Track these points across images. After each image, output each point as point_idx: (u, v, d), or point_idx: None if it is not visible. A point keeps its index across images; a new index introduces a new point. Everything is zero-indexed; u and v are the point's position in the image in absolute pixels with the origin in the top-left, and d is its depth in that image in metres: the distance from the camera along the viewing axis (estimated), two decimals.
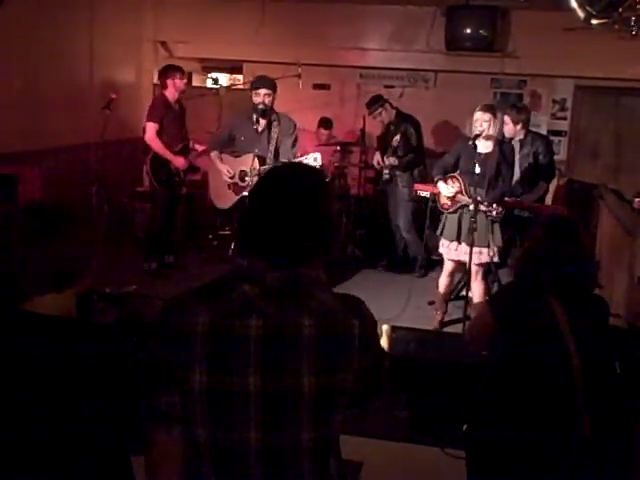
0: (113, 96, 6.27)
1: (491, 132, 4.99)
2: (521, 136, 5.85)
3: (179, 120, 6.34)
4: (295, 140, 5.60)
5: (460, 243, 5.15)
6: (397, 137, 6.60)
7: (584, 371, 2.41)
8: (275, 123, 5.54)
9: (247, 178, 5.49)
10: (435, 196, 5.35)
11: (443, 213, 5.29)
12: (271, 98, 5.52)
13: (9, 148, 5.82)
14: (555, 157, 6.29)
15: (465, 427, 2.78)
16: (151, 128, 6.10)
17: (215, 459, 1.60)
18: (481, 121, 4.96)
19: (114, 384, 1.74)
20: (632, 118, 8.07)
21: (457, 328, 5.24)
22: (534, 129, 6.39)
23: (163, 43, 8.67)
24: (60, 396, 1.67)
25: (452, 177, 5.21)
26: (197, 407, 1.58)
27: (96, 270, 1.83)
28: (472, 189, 5.02)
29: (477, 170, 4.96)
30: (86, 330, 1.81)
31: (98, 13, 7.22)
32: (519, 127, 5.78)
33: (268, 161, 5.41)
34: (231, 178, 5.62)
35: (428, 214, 5.48)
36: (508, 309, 2.61)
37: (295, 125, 5.68)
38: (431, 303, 5.82)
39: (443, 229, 5.27)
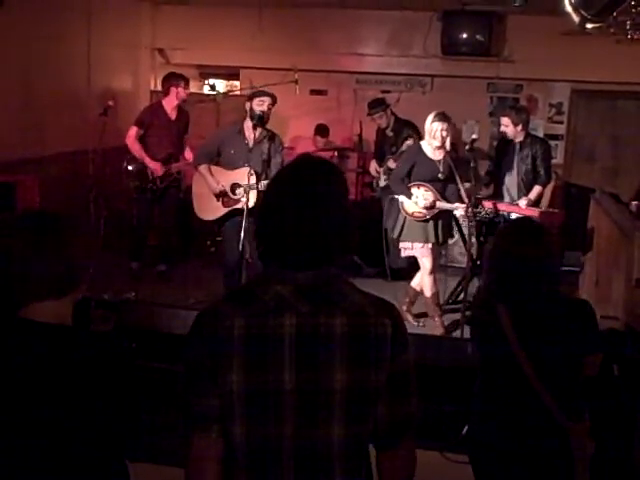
0: (110, 103, 6.28)
1: (449, 140, 5.23)
2: (521, 138, 5.85)
3: (172, 128, 6.35)
4: (283, 158, 5.52)
5: (436, 244, 5.34)
6: (409, 142, 6.53)
7: (541, 374, 2.43)
8: (266, 138, 5.49)
9: (238, 191, 5.40)
10: (402, 205, 5.38)
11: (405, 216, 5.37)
12: (270, 110, 5.50)
13: (7, 156, 5.83)
14: (552, 161, 6.30)
15: (465, 430, 2.79)
16: (131, 130, 6.22)
17: (249, 458, 1.62)
18: (441, 130, 5.17)
19: (112, 391, 1.75)
20: (629, 121, 8.09)
21: (456, 333, 5.23)
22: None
23: (160, 50, 8.71)
24: (58, 403, 1.67)
25: (420, 185, 5.27)
26: (235, 406, 1.60)
27: (93, 277, 1.83)
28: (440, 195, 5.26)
29: (441, 176, 5.24)
30: (84, 337, 1.81)
31: (96, 20, 7.24)
32: (519, 128, 5.79)
33: (264, 176, 5.32)
34: (220, 191, 5.54)
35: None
36: (471, 315, 2.75)
37: (283, 145, 5.69)
38: (420, 316, 5.73)
39: (402, 231, 5.38)
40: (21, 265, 1.70)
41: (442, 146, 5.22)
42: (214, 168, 5.54)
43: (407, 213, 5.33)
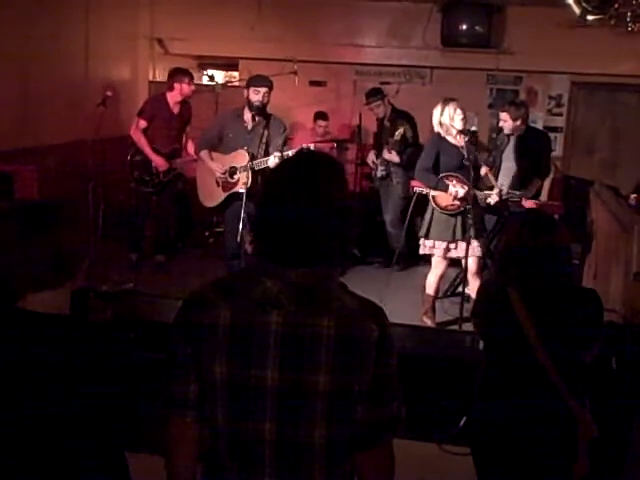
0: (108, 93, 6.27)
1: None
2: (520, 132, 5.85)
3: (174, 123, 6.36)
4: (285, 141, 5.58)
5: (456, 242, 5.13)
6: (400, 130, 6.56)
7: (557, 363, 2.47)
8: (264, 122, 5.52)
9: (236, 175, 5.46)
10: (433, 198, 5.17)
11: (432, 212, 5.18)
12: (269, 97, 5.51)
13: (5, 146, 5.81)
14: (551, 153, 6.30)
15: (464, 421, 2.81)
16: (137, 123, 6.24)
17: (232, 447, 1.63)
18: (458, 112, 5.12)
19: (111, 382, 1.75)
20: (628, 114, 8.08)
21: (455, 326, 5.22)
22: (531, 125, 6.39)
23: (159, 40, 8.67)
24: (57, 394, 1.67)
25: (451, 177, 5.10)
26: (217, 396, 1.61)
27: (91, 267, 1.82)
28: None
29: (467, 162, 5.08)
30: (82, 327, 1.81)
31: (94, 10, 7.20)
32: (518, 123, 5.79)
33: (258, 157, 5.39)
34: (223, 174, 5.57)
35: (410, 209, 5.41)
36: (479, 302, 2.81)
37: (285, 127, 5.66)
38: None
39: (430, 229, 5.18)
40: (13, 256, 1.69)
41: (464, 129, 5.11)
42: (214, 154, 5.61)
43: (439, 207, 5.14)
